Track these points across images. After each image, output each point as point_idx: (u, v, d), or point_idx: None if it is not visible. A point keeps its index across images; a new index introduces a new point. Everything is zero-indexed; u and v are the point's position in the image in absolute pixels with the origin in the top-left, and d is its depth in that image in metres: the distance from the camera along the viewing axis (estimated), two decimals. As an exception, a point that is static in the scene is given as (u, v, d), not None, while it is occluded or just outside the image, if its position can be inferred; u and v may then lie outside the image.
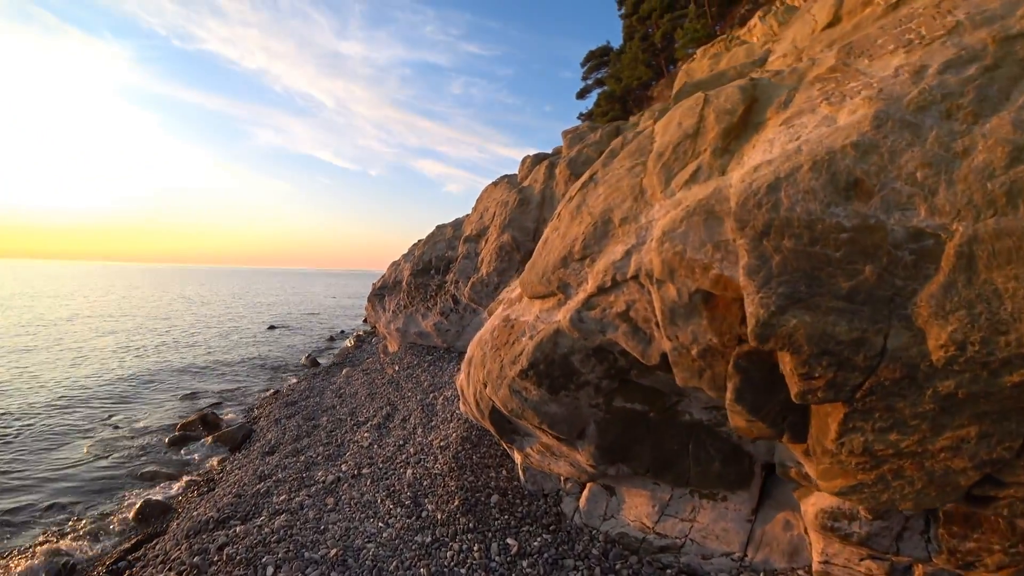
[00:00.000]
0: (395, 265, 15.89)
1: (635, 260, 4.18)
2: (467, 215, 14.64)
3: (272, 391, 14.31)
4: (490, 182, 14.13)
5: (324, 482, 6.77)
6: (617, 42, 36.22)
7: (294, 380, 15.82)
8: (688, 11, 23.34)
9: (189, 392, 14.61)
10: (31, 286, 71.48)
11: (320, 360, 19.24)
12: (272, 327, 29.65)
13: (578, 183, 6.05)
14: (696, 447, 4.82)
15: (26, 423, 11.79)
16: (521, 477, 6.08)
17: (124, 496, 8.23)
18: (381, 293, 15.97)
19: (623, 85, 29.27)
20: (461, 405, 6.65)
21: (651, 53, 28.44)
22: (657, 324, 4.03)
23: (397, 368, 13.10)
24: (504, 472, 6.32)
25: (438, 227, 14.69)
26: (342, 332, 28.64)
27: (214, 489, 7.64)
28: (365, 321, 33.98)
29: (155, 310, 40.10)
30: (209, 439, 9.86)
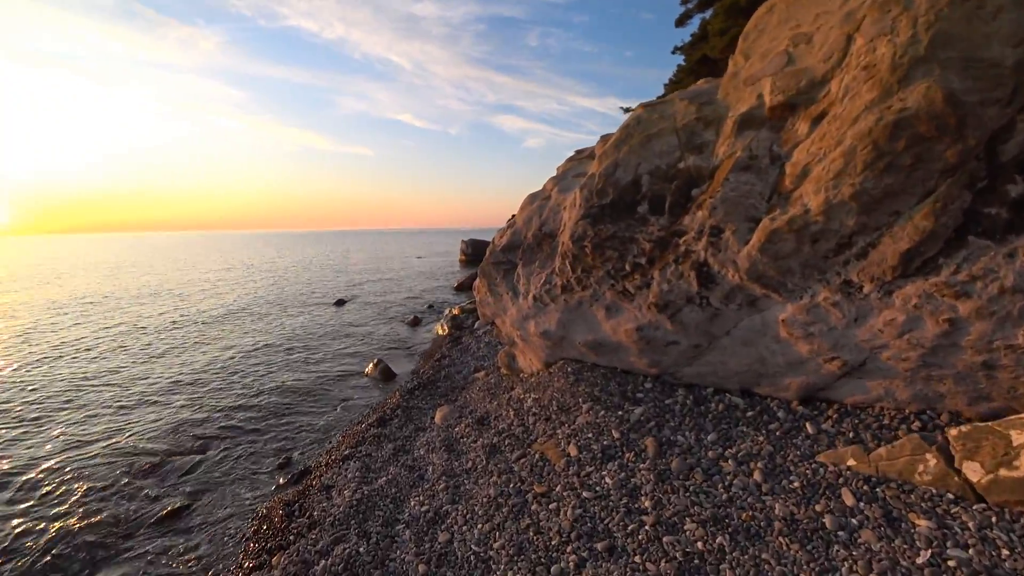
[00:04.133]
0: (536, 204, 7.99)
1: None
2: (730, 75, 6.24)
3: (278, 507, 6.65)
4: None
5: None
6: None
7: (335, 444, 8.66)
8: None
9: (142, 474, 7.83)
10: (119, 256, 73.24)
11: (396, 369, 12.18)
12: (341, 301, 23.48)
13: None
14: None
15: None
16: None
17: None
18: (506, 260, 8.25)
19: (751, -8, 20.76)
20: None
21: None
22: None
23: (571, 447, 5.41)
24: None
25: (648, 107, 6.44)
26: (430, 307, 21.85)
27: None
28: (457, 288, 27.09)
29: (199, 281, 35.98)
30: None
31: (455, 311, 18.21)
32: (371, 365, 11.75)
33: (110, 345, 15.39)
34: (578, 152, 8.27)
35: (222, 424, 9.28)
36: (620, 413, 5.97)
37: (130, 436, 8.83)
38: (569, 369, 7.31)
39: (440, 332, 15.77)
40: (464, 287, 26.74)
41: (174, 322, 19.08)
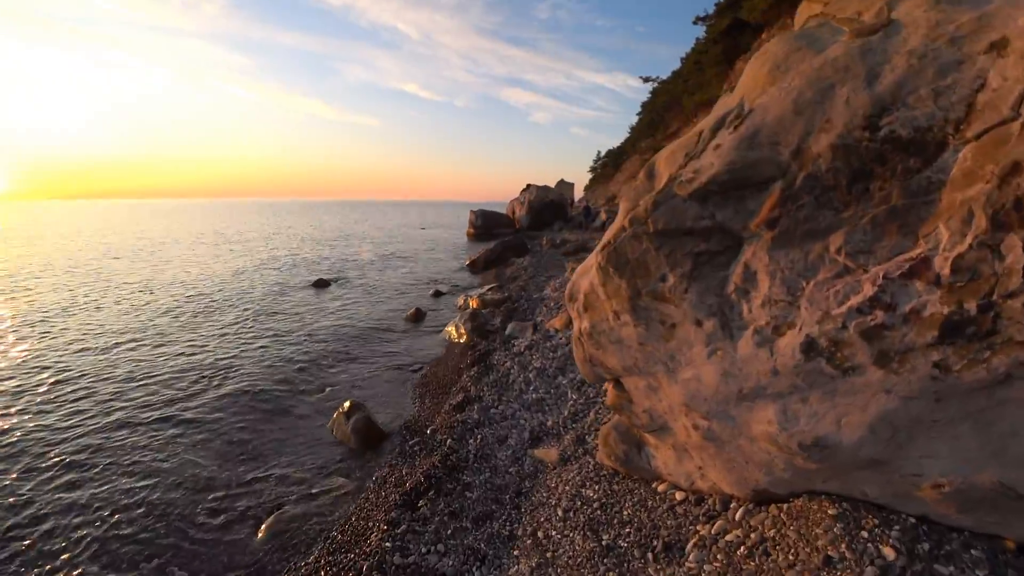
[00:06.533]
0: (830, 55, 2.75)
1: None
2: None
3: None
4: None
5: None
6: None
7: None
8: None
9: None
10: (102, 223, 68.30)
11: (384, 413, 7.18)
12: (322, 282, 18.31)
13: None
14: None
15: None
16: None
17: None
18: (704, 227, 3.03)
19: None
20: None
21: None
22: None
23: None
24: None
25: None
26: (436, 293, 16.72)
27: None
28: (471, 267, 21.84)
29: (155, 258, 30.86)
30: None
31: (473, 303, 13.09)
32: (339, 412, 6.61)
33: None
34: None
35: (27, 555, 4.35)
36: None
37: None
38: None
39: (454, 337, 10.71)
40: (480, 266, 21.49)
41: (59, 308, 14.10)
